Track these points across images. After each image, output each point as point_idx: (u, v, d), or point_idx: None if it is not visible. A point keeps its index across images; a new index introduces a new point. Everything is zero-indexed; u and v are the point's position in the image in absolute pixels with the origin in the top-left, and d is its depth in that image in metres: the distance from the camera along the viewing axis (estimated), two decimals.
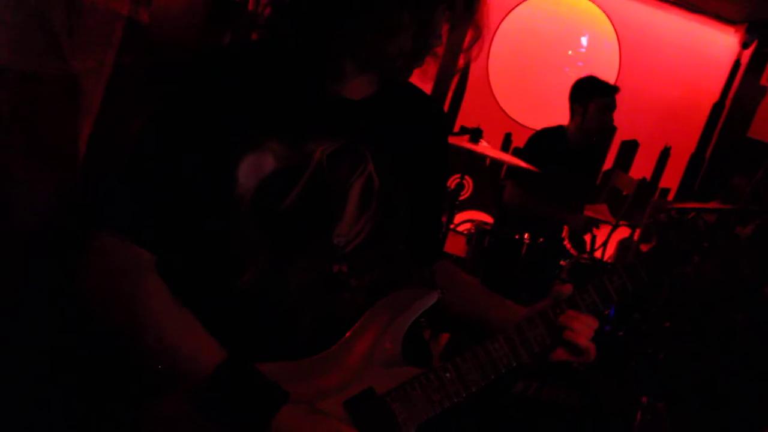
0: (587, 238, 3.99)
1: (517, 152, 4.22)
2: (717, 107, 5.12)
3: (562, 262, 3.28)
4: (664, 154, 5.24)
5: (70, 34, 1.95)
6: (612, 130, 3.96)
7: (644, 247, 3.87)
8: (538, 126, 4.00)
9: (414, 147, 1.33)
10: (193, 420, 1.09)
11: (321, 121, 1.21)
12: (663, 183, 5.28)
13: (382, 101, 1.28)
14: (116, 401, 1.16)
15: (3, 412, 1.62)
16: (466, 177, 4.59)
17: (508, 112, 5.09)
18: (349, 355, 1.20)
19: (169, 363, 1.10)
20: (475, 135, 3.16)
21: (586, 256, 3.80)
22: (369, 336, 1.22)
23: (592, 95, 3.75)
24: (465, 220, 4.60)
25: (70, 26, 1.94)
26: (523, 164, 3.45)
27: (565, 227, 3.93)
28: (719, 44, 5.13)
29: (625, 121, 5.05)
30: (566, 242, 3.84)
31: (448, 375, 1.21)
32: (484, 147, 3.21)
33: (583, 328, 1.24)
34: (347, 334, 1.22)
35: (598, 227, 4.14)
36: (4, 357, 1.79)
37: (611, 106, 3.78)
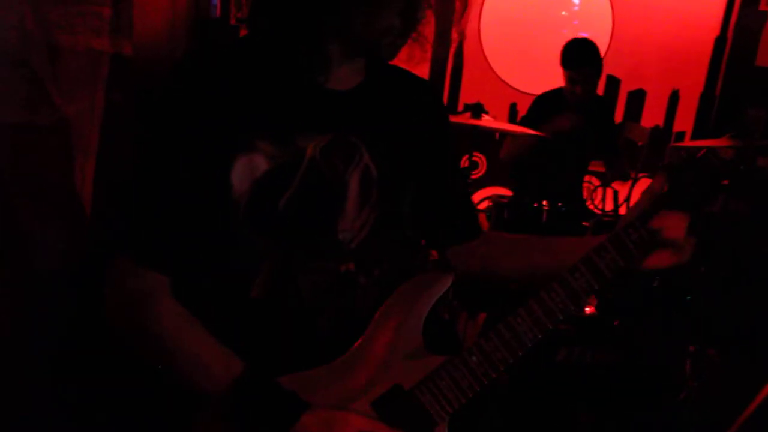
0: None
1: (522, 121, 4.17)
2: (719, 41, 5.00)
3: (585, 224, 3.24)
4: (674, 98, 5.14)
5: (56, 80, 1.96)
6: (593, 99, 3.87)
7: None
8: (543, 92, 3.96)
9: (409, 130, 1.31)
10: None
11: (309, 116, 1.19)
12: (677, 127, 5.18)
13: (370, 89, 1.26)
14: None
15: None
16: (477, 154, 4.54)
17: (510, 83, 5.03)
18: (371, 354, 1.19)
19: (188, 380, 1.12)
20: (476, 110, 3.12)
21: (610, 213, 3.75)
22: (388, 331, 1.20)
23: (564, 65, 3.71)
24: (485, 197, 4.55)
25: (54, 72, 1.95)
26: (529, 131, 3.41)
27: (585, 186, 3.87)
28: None
29: (628, 72, 4.97)
30: (588, 203, 3.79)
31: (474, 359, 1.18)
32: (486, 121, 3.18)
33: (676, 222, 1.19)
34: (366, 332, 1.21)
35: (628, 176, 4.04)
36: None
37: (577, 79, 3.69)
